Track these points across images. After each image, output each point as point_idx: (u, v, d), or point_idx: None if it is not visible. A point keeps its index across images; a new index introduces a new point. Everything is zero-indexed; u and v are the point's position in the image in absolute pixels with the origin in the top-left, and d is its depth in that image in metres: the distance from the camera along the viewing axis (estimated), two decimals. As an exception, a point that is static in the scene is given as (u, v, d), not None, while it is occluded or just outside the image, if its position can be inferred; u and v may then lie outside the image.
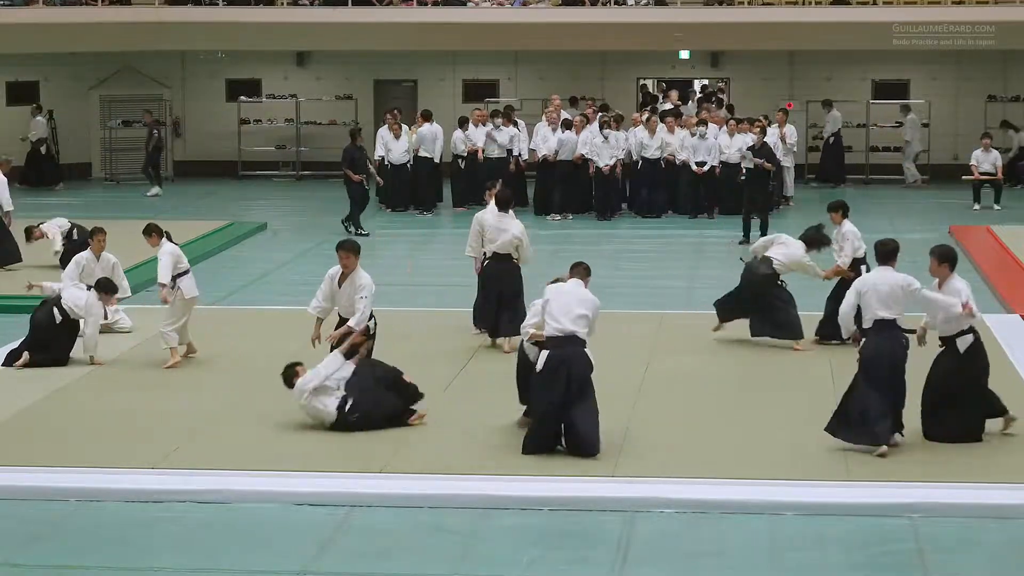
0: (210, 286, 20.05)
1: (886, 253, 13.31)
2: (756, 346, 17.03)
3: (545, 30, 32.55)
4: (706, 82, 37.42)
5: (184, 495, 11.96)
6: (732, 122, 28.46)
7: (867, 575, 10.58)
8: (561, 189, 28.28)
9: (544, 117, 29.13)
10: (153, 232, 16.53)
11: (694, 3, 33.21)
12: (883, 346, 12.89)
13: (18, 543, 11.17)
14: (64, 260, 21.06)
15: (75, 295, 16.41)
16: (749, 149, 25.59)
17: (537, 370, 12.85)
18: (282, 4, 33.65)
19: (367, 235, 25.31)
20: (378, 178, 27.44)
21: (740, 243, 24.90)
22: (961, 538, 11.20)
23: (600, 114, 29.16)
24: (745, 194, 25.45)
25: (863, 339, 13.09)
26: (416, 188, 29.10)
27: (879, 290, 12.99)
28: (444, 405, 14.58)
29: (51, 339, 16.21)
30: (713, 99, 33.65)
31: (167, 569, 10.68)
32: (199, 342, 16.54)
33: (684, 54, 34.61)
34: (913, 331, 13.28)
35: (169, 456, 12.82)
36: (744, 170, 25.51)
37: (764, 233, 24.86)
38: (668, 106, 32.07)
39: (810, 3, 32.87)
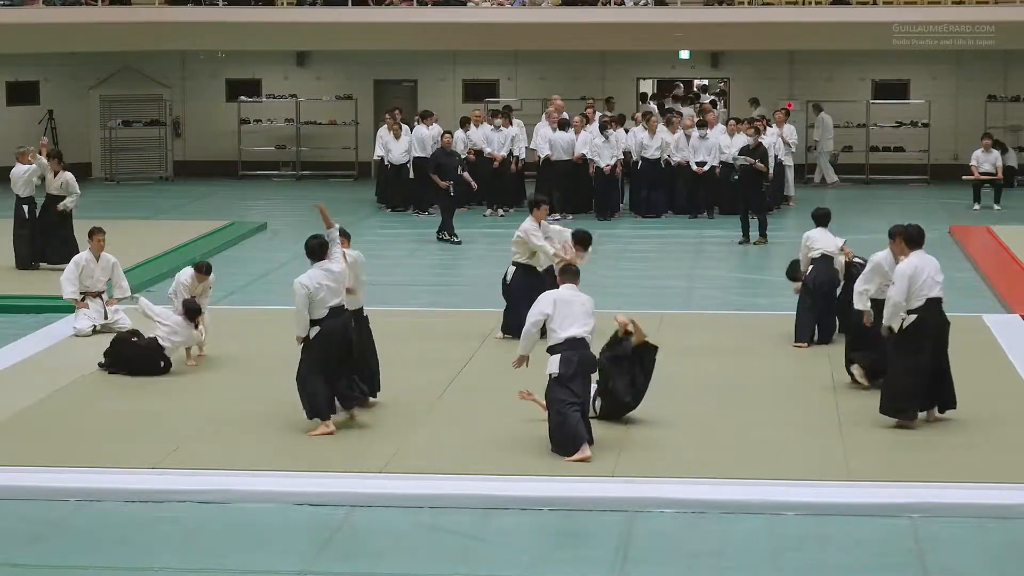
0: (210, 286, 20.02)
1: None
2: (756, 347, 17.03)
3: (545, 30, 32.54)
4: (706, 82, 37.43)
5: (184, 495, 11.96)
6: (732, 122, 28.49)
7: (867, 575, 10.58)
8: (561, 189, 28.26)
9: (544, 117, 29.11)
10: None
11: (694, 3, 33.21)
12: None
13: (18, 543, 11.17)
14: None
15: (168, 335, 15.86)
16: (742, 150, 25.63)
17: (555, 373, 12.88)
18: (282, 4, 33.65)
19: (459, 243, 25.14)
20: (472, 183, 26.51)
21: (739, 243, 24.92)
22: (961, 538, 11.19)
23: (600, 114, 29.17)
24: (739, 194, 25.49)
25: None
26: (416, 188, 29.06)
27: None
28: (444, 405, 14.59)
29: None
30: (700, 99, 33.68)
31: (167, 569, 10.68)
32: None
33: (684, 54, 34.60)
34: None
35: (169, 456, 12.82)
36: (737, 169, 25.51)
37: (763, 233, 24.89)
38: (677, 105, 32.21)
39: (810, 3, 32.86)
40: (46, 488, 12.13)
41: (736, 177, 25.67)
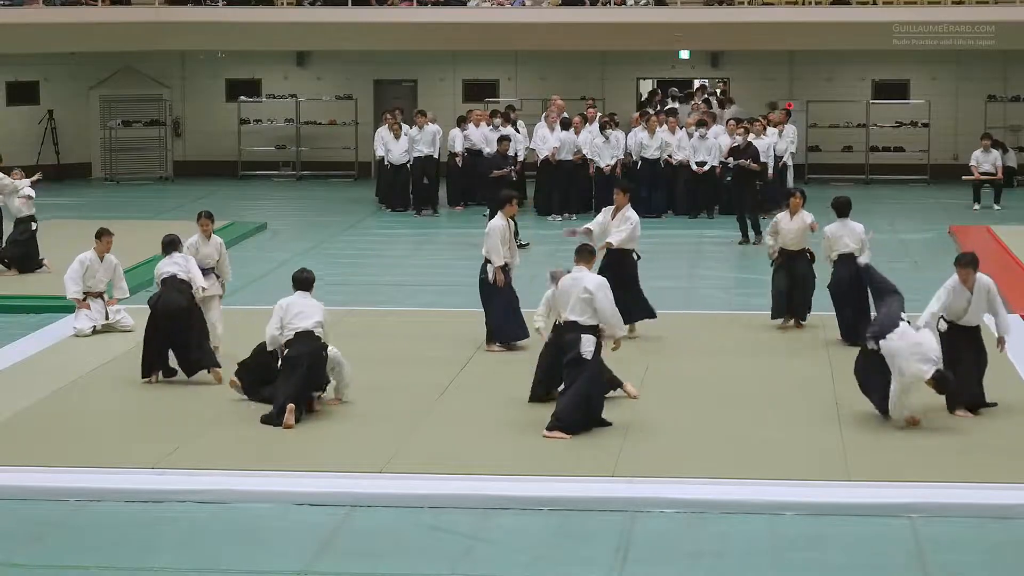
0: (210, 286, 20.02)
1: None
2: (756, 347, 17.03)
3: (545, 30, 32.54)
4: (706, 82, 37.44)
5: (184, 495, 11.96)
6: (731, 122, 28.49)
7: (867, 575, 10.59)
8: (561, 189, 28.26)
9: (544, 117, 29.06)
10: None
11: (694, 3, 33.21)
12: None
13: (18, 543, 11.17)
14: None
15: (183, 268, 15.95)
16: (732, 151, 25.75)
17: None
18: (282, 4, 33.65)
19: (527, 244, 24.60)
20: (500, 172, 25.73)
21: (739, 243, 24.92)
22: (961, 538, 11.20)
23: (600, 114, 29.17)
24: (734, 195, 25.58)
25: None
26: (416, 188, 29.07)
27: None
28: (444, 405, 14.59)
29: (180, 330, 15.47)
30: (693, 98, 33.66)
31: (167, 569, 10.68)
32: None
33: (684, 54, 34.61)
34: None
35: (169, 456, 12.82)
36: (732, 169, 25.64)
37: (758, 233, 24.88)
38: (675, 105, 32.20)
39: (810, 3, 32.86)
40: (46, 488, 12.13)
41: (730, 179, 25.78)
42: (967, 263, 14.21)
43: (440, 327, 17.97)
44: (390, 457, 12.79)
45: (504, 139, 26.65)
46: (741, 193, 25.25)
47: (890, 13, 32.28)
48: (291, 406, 13.65)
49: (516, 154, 28.74)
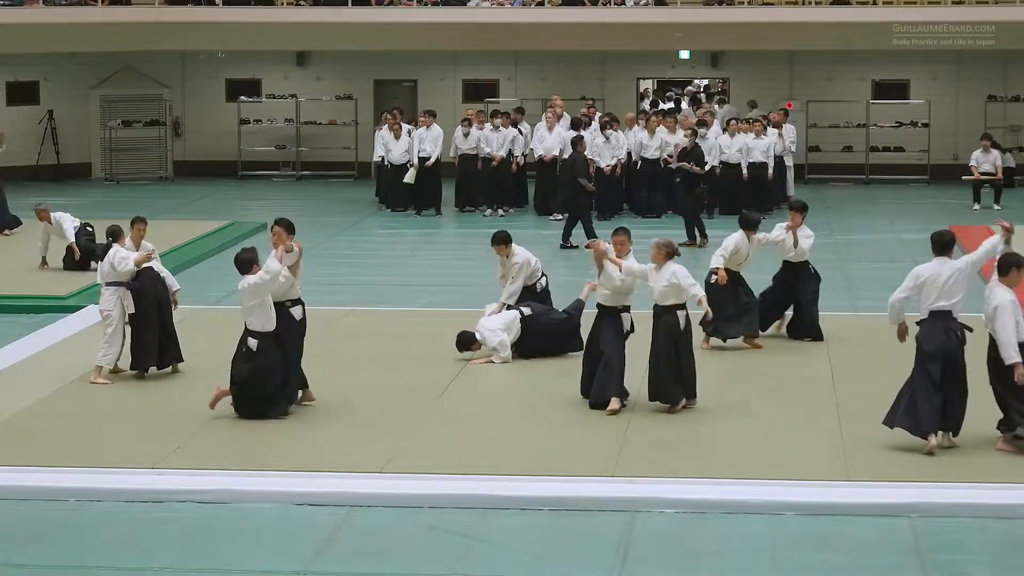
0: (210, 286, 20.07)
1: (942, 244, 12.97)
2: (755, 346, 17.02)
3: (545, 30, 32.54)
4: (706, 82, 37.47)
5: (184, 495, 11.97)
6: (732, 122, 28.51)
7: (867, 575, 10.59)
8: (562, 189, 28.20)
9: (544, 119, 28.99)
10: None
11: (694, 3, 33.20)
12: (939, 338, 12.77)
13: (18, 543, 11.18)
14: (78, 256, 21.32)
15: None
16: (681, 153, 25.86)
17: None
18: (282, 4, 33.65)
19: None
20: (591, 186, 25.35)
21: (685, 244, 24.89)
22: (961, 538, 11.20)
23: (599, 114, 29.15)
24: (678, 197, 25.77)
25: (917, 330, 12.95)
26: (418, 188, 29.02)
27: (938, 280, 12.82)
28: (444, 405, 14.59)
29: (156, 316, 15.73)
30: (696, 99, 33.77)
31: (167, 569, 10.68)
32: (199, 341, 16.52)
33: (684, 54, 34.62)
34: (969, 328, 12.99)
35: (169, 456, 12.83)
36: (677, 172, 25.90)
37: (690, 236, 24.67)
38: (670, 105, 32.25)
39: (810, 3, 32.86)
40: (46, 488, 12.14)
41: (679, 180, 25.91)
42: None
43: (440, 327, 17.96)
44: (390, 457, 12.79)
45: (579, 140, 26.08)
46: (685, 196, 25.35)
47: (890, 13, 32.28)
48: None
49: (519, 153, 28.76)
